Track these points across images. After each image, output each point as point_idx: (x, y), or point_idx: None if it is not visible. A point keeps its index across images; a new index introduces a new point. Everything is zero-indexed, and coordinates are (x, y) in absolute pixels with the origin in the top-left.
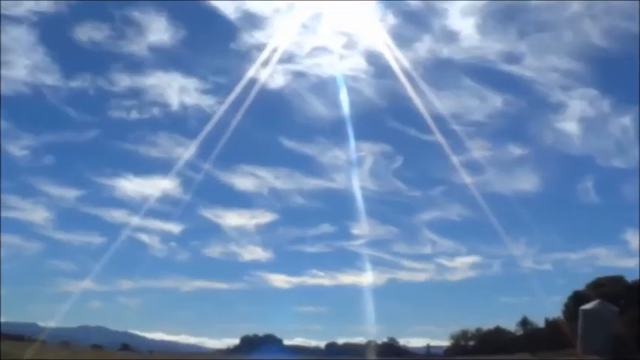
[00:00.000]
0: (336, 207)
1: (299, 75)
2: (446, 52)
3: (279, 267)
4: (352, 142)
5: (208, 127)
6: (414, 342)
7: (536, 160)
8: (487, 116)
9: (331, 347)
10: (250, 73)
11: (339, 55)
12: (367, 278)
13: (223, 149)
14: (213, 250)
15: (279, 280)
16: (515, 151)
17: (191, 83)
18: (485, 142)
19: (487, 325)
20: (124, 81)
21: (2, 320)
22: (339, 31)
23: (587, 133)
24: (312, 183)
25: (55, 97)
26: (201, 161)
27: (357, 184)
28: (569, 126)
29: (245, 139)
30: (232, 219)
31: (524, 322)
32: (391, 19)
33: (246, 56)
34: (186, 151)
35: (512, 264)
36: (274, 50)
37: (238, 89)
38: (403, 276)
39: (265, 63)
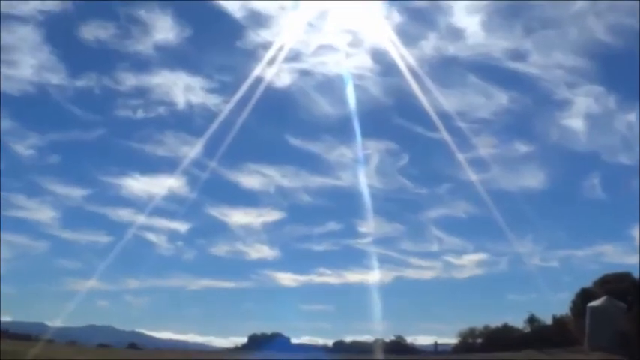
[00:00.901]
0: (343, 205)
1: (305, 73)
2: (451, 49)
3: (286, 265)
4: (358, 140)
5: (214, 126)
6: (422, 339)
7: (542, 157)
8: (493, 113)
9: (339, 345)
10: (256, 71)
11: (345, 53)
12: (374, 276)
13: (229, 148)
14: (220, 249)
15: (286, 279)
16: (521, 148)
17: (197, 82)
18: (491, 139)
19: (495, 322)
20: (129, 80)
21: (10, 319)
22: (344, 29)
23: (593, 130)
24: (319, 181)
25: (60, 96)
26: (208, 160)
27: (363, 181)
28: (575, 123)
29: (251, 138)
30: (239, 217)
31: (532, 319)
32: (396, 17)
33: (252, 55)
34: (193, 150)
35: (519, 261)
36: (280, 49)
37: (244, 88)
38: (410, 274)
39: (271, 61)
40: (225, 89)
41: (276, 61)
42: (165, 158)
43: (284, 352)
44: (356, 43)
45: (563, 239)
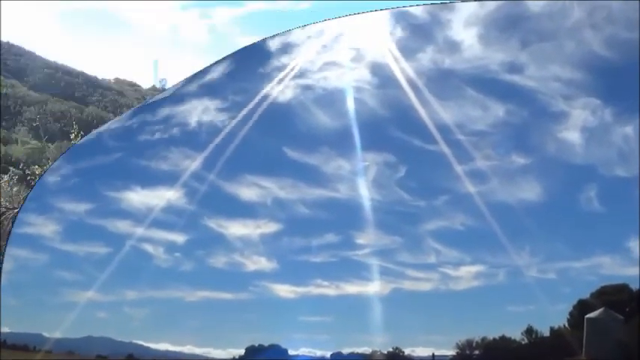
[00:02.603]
0: (340, 217)
1: (305, 87)
2: (448, 62)
3: (284, 277)
4: (356, 152)
5: (213, 138)
6: (419, 351)
7: (539, 169)
8: (490, 126)
9: (336, 357)
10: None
11: (344, 66)
12: (372, 288)
13: (227, 159)
14: (218, 260)
15: (284, 290)
16: (519, 160)
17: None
18: (488, 151)
19: (492, 334)
20: None
21: (8, 331)
22: (343, 43)
23: (590, 142)
24: (317, 193)
25: None
26: (206, 172)
27: (361, 194)
28: (572, 135)
29: (249, 150)
30: (236, 229)
31: (530, 331)
32: (394, 30)
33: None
34: (192, 162)
35: (517, 273)
36: (292, 69)
37: (251, 105)
38: (408, 285)
39: (280, 81)
40: (232, 108)
41: (285, 80)
42: (163, 170)
43: None
44: (355, 57)
45: (561, 251)
